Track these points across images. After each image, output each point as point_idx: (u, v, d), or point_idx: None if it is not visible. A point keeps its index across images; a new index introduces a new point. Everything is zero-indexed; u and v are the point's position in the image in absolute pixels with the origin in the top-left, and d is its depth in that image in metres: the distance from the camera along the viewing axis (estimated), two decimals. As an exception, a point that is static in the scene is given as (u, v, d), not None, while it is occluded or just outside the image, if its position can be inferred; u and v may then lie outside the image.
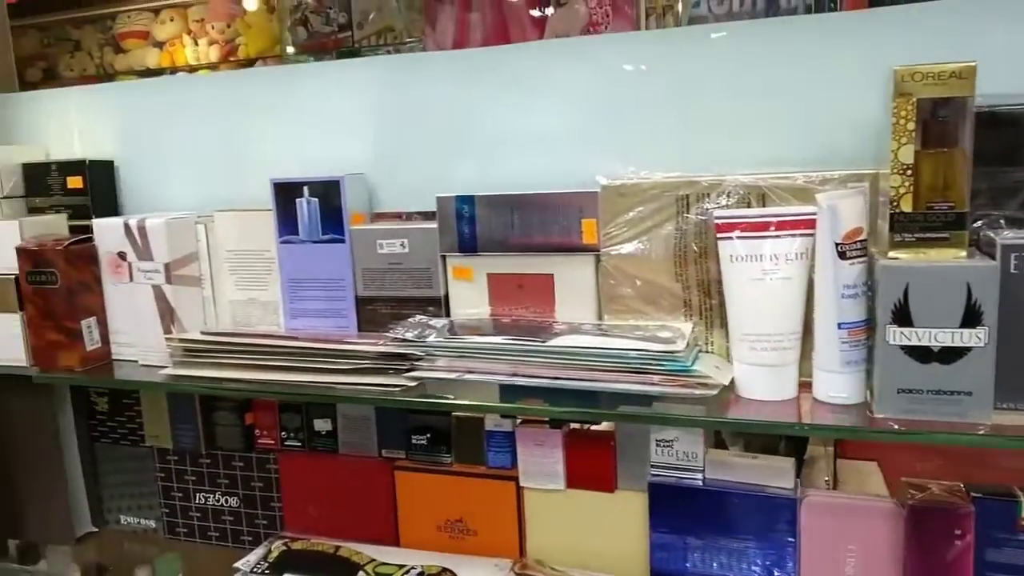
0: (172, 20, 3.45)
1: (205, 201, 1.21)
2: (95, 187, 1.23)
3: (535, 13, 3.02)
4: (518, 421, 1.07)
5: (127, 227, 1.09)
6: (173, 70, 3.50)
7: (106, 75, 3.49)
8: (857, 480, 1.00)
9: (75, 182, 1.22)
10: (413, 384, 0.94)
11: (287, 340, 1.01)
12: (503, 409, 1.01)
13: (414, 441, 1.12)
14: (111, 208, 1.26)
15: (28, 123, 1.33)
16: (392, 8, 3.30)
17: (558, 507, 1.05)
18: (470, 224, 1.00)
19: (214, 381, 1.02)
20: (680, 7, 2.89)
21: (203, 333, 1.08)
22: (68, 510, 1.29)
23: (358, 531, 1.15)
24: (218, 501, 1.24)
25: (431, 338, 0.95)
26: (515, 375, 0.91)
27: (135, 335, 1.12)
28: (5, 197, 1.25)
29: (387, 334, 0.99)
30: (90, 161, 1.22)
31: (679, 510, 0.99)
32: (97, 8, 3.47)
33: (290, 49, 3.35)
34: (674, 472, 1.00)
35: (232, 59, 3.56)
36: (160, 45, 3.63)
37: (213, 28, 3.40)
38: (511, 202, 0.98)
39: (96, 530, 1.33)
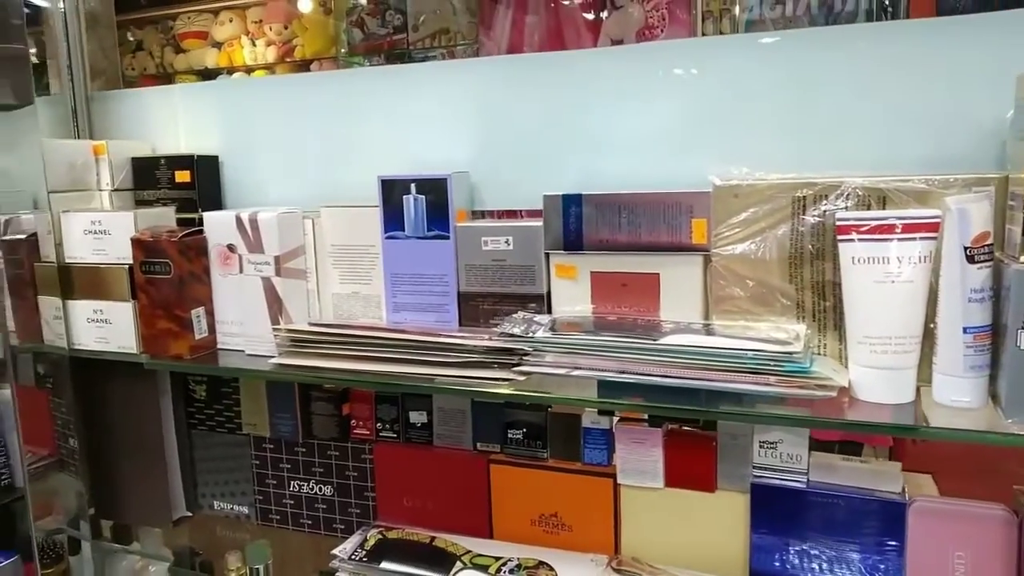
0: (231, 21, 3.54)
1: (307, 197, 1.24)
2: (201, 181, 1.27)
3: (590, 17, 3.03)
4: (616, 419, 1.08)
5: (239, 220, 1.13)
6: (230, 70, 3.59)
7: (165, 74, 3.60)
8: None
9: (183, 176, 1.27)
10: (521, 378, 0.95)
11: (395, 332, 1.04)
12: (616, 406, 1.01)
13: (510, 435, 1.14)
14: (215, 202, 1.30)
15: (134, 119, 1.38)
16: (448, 11, 3.34)
17: (655, 505, 1.06)
18: (576, 222, 1.02)
19: (322, 371, 1.04)
20: (737, 11, 2.88)
21: (311, 324, 1.11)
22: (167, 494, 1.33)
23: (451, 523, 1.17)
24: (312, 489, 1.27)
25: (538, 334, 0.97)
26: (624, 372, 0.92)
27: (243, 325, 1.16)
28: (115, 190, 1.30)
29: (492, 329, 1.01)
30: (198, 156, 1.26)
31: (781, 512, 0.99)
32: (160, 9, 3.58)
33: (344, 51, 3.42)
34: (777, 474, 1.00)
35: (288, 60, 3.65)
36: (219, 45, 3.73)
37: (271, 29, 3.48)
38: (619, 201, 0.99)
39: (190, 514, 1.38)
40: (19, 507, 1.63)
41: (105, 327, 1.20)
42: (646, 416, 1.06)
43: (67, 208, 1.22)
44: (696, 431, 1.05)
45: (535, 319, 1.02)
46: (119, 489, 1.37)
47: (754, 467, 1.01)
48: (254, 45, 3.55)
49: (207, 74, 3.53)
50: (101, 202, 1.29)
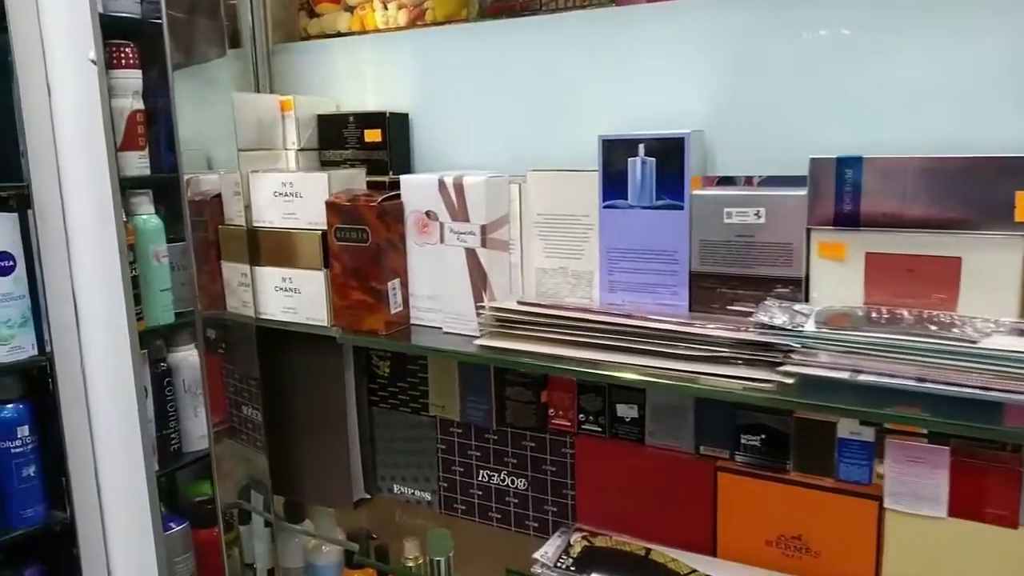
0: (365, -16, 3.47)
1: (506, 161, 1.11)
2: (393, 141, 1.16)
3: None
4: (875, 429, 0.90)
5: (441, 184, 1.01)
6: (362, 34, 3.53)
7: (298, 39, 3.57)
8: None
9: (373, 135, 1.16)
10: (788, 381, 0.79)
11: (622, 318, 0.90)
12: (936, 426, 0.80)
13: (744, 441, 0.98)
14: (404, 164, 1.20)
15: (316, 73, 1.29)
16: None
17: (934, 538, 0.87)
18: (853, 191, 0.83)
19: (538, 357, 0.92)
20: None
21: (520, 303, 0.98)
22: (349, 475, 1.26)
23: (665, 534, 1.03)
24: (503, 481, 1.16)
25: (807, 326, 0.80)
26: (923, 381, 0.74)
27: (440, 300, 1.05)
28: (301, 149, 1.21)
29: (733, 318, 0.85)
30: (390, 114, 1.16)
31: (1113, 562, 0.79)
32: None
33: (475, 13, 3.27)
34: (1110, 514, 0.79)
35: (420, 23, 3.54)
36: (351, 9, 3.68)
37: (403, -9, 3.39)
38: (915, 166, 0.80)
39: (368, 496, 1.30)
40: (183, 475, 1.62)
41: (294, 296, 1.12)
42: (925, 431, 0.87)
43: (254, 168, 1.15)
44: (996, 451, 0.85)
45: (794, 308, 0.85)
46: (299, 465, 1.31)
47: (1075, 504, 0.81)
48: (386, 8, 3.49)
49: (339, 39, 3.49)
50: (287, 162, 1.21)
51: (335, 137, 1.20)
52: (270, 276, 1.14)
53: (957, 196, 0.78)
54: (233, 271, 1.19)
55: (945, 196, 0.79)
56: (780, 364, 0.80)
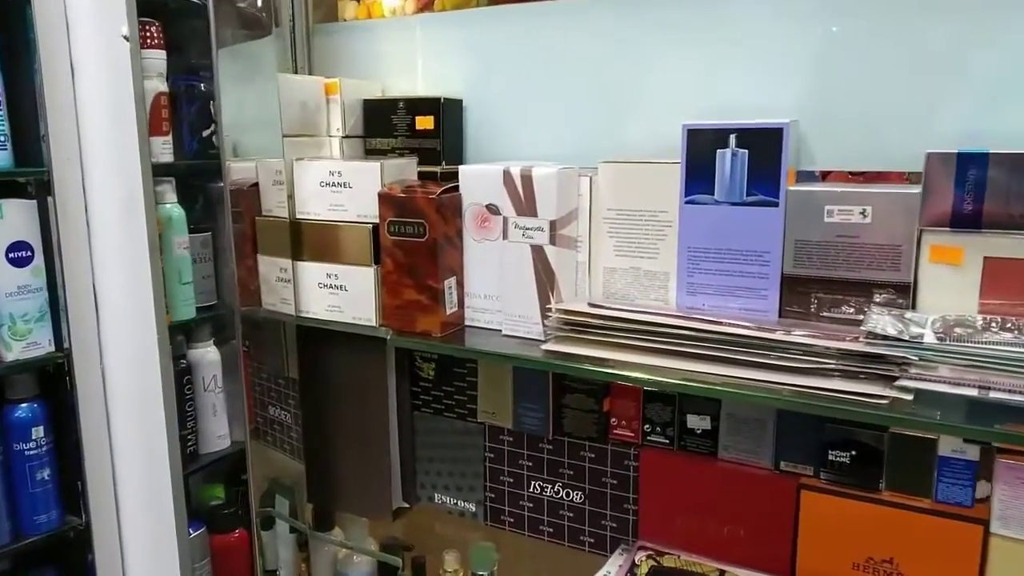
0: (372, -28, 3.38)
1: (570, 153, 1.03)
2: (446, 129, 1.09)
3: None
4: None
5: (507, 176, 0.93)
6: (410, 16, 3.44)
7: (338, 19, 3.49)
8: None
9: (425, 122, 1.09)
10: (907, 397, 0.72)
11: (710, 324, 0.82)
12: None
13: (832, 457, 0.91)
14: (457, 155, 1.12)
15: (360, 56, 1.21)
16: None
17: (1045, 566, 0.81)
18: (976, 189, 0.76)
19: (614, 365, 0.85)
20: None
21: (591, 305, 0.91)
22: (389, 483, 1.18)
23: (739, 555, 0.96)
24: (557, 493, 1.09)
25: (926, 338, 0.73)
26: (1061, 398, 0.67)
27: (499, 300, 0.97)
28: (347, 136, 1.13)
29: (833, 327, 0.78)
30: (444, 99, 1.08)
31: None
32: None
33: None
34: None
35: (427, 12, 3.46)
36: None
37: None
38: (1051, 165, 0.73)
39: (406, 506, 1.23)
40: (194, 477, 1.54)
41: (339, 294, 1.04)
42: (1038, 449, 0.81)
43: (297, 156, 1.07)
44: (1122, 477, 0.79)
45: (905, 316, 0.78)
46: (334, 471, 1.23)
47: None
48: (394, -2, 3.41)
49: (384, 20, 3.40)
50: (330, 150, 1.13)
51: (382, 124, 1.12)
52: (313, 272, 1.06)
53: (1092, 197, 0.72)
54: (271, 265, 1.11)
55: (1078, 197, 0.72)
56: (896, 378, 0.73)
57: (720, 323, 0.83)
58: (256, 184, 1.13)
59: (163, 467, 1.29)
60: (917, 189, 0.79)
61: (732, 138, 0.86)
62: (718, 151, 0.87)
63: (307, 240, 1.06)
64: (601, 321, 0.88)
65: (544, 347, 0.91)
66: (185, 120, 1.35)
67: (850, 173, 0.88)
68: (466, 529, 1.19)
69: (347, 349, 1.15)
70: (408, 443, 1.20)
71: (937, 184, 0.78)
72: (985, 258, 0.78)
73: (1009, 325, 0.75)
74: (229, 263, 1.12)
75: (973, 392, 0.70)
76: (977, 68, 0.82)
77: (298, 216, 1.06)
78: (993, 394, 0.69)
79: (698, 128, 0.88)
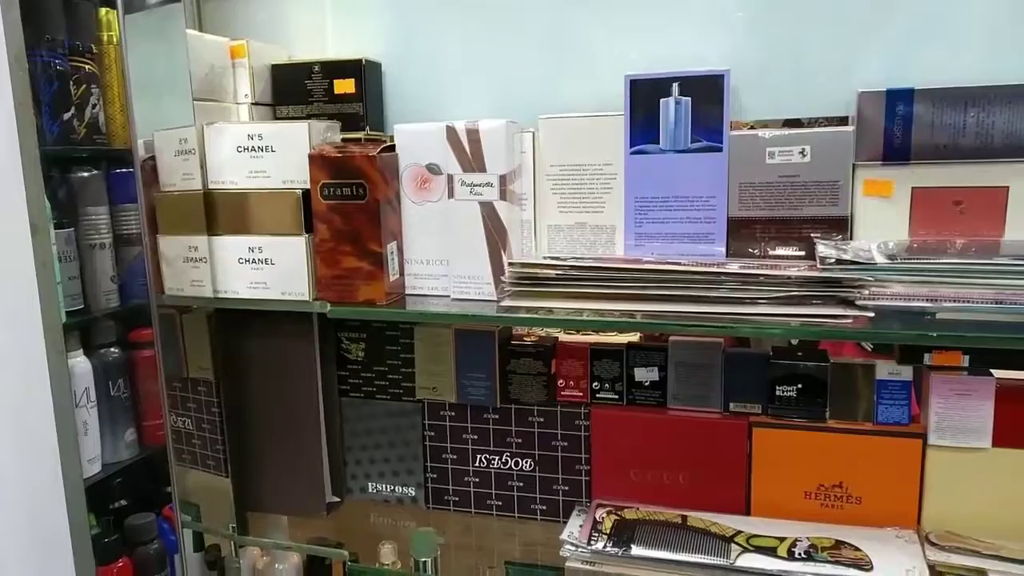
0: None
1: (500, 112, 1.01)
2: (369, 93, 1.03)
3: None
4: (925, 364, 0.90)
5: (451, 131, 0.90)
6: None
7: None
8: None
9: (344, 86, 1.03)
10: (868, 315, 0.77)
11: (673, 264, 0.83)
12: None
13: (779, 393, 0.95)
14: (378, 121, 1.07)
15: (257, 17, 1.13)
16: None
17: (976, 470, 0.88)
18: (904, 124, 0.83)
19: (580, 313, 0.84)
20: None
21: (547, 257, 0.90)
22: (320, 478, 1.10)
23: (695, 499, 0.98)
24: (505, 463, 1.06)
25: (877, 260, 0.78)
26: (1000, 302, 0.74)
27: (449, 264, 0.94)
28: (256, 103, 1.05)
29: (778, 260, 0.82)
30: (366, 61, 1.03)
31: None
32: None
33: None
34: None
35: None
36: None
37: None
38: (969, 96, 0.80)
39: (337, 500, 1.15)
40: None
41: (264, 269, 0.96)
42: (964, 363, 0.88)
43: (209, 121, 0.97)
44: (1036, 378, 0.88)
45: (851, 245, 0.83)
46: (258, 471, 1.12)
47: (1112, 419, 0.85)
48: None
49: None
50: (239, 118, 1.05)
51: (294, 90, 1.05)
52: (232, 246, 0.97)
53: (1010, 124, 0.80)
54: (177, 245, 1.00)
55: (997, 125, 0.80)
56: (854, 300, 0.78)
57: (681, 263, 0.84)
58: (152, 158, 1.02)
59: (46, 498, 1.13)
60: (851, 128, 0.85)
61: (675, 87, 0.88)
62: (661, 100, 0.89)
63: (223, 212, 0.97)
64: (559, 272, 0.86)
65: (503, 303, 0.88)
66: (44, 102, 1.20)
67: (784, 122, 0.92)
68: (406, 516, 1.13)
69: (268, 337, 1.07)
70: (336, 432, 1.13)
71: (869, 121, 0.84)
72: (913, 188, 0.85)
73: (942, 247, 0.82)
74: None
75: (926, 304, 0.75)
76: (898, 9, 0.89)
77: (211, 186, 0.97)
78: (943, 305, 0.75)
79: (641, 78, 0.89)
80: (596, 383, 1.02)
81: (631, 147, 0.91)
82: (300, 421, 1.08)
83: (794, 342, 0.99)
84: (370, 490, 1.14)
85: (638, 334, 1.02)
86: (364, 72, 1.02)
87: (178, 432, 1.20)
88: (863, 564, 0.85)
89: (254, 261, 0.96)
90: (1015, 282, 0.74)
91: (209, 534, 1.18)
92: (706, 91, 0.88)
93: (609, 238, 0.95)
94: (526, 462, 1.06)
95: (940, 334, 0.74)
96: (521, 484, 1.06)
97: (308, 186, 0.92)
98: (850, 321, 0.76)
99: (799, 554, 0.88)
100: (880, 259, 0.78)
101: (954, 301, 0.75)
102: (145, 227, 0.98)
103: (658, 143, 0.90)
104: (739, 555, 0.88)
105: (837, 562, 0.86)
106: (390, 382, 1.10)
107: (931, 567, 0.84)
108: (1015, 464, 0.87)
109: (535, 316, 0.87)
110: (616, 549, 0.92)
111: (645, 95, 0.89)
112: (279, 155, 0.94)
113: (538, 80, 1.01)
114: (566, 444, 1.04)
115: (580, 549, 0.93)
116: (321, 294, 0.95)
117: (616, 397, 1.02)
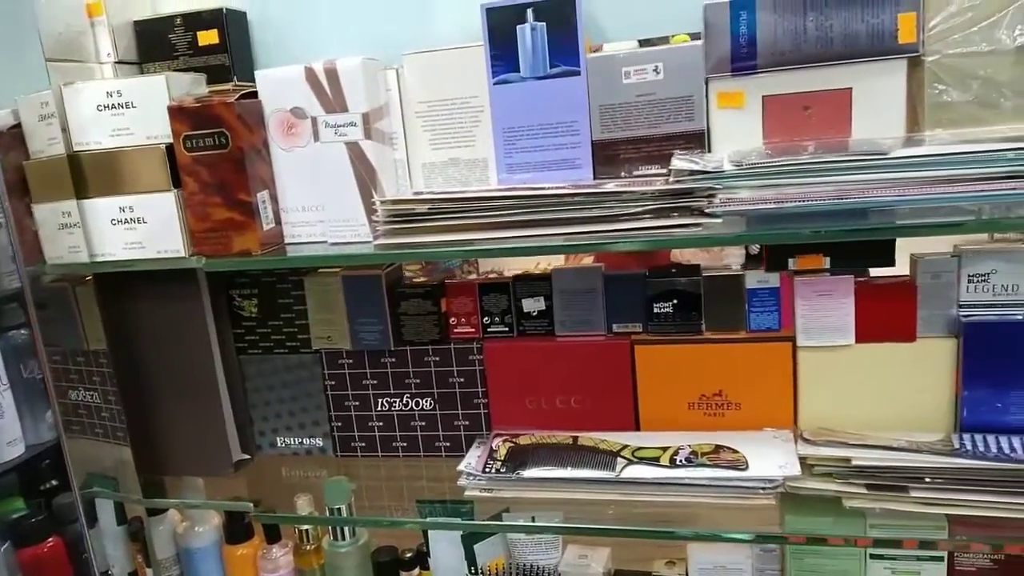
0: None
1: (367, 52, 1.01)
2: (233, 43, 1.02)
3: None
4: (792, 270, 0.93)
5: (310, 73, 0.90)
6: None
7: None
8: None
9: (208, 37, 1.01)
10: (717, 220, 0.79)
11: (537, 190, 0.85)
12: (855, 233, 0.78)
13: (656, 310, 0.97)
14: (246, 72, 1.05)
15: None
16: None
17: (844, 366, 0.92)
18: (748, 33, 0.84)
19: (451, 245, 0.85)
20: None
21: (415, 193, 0.90)
22: (225, 436, 1.10)
23: (588, 421, 1.01)
24: (406, 405, 1.08)
25: (725, 167, 0.80)
26: (840, 198, 0.77)
27: (322, 208, 0.94)
28: (119, 62, 1.03)
29: (642, 177, 0.84)
30: (227, 10, 1.01)
31: (998, 353, 0.87)
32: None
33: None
34: (991, 310, 0.88)
35: None
36: None
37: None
38: (809, 1, 0.82)
39: (247, 458, 1.16)
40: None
41: (138, 228, 0.95)
42: (826, 265, 0.92)
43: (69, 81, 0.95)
44: (893, 277, 0.91)
45: (705, 157, 0.85)
46: (162, 437, 1.12)
47: (961, 305, 0.88)
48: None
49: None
50: (103, 79, 1.02)
51: (159, 45, 1.04)
52: (104, 208, 0.96)
53: (846, 26, 0.82)
54: (50, 212, 0.99)
55: (835, 28, 0.82)
56: (705, 208, 0.80)
57: (542, 188, 0.85)
58: (17, 126, 1.00)
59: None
60: (699, 42, 0.86)
61: (529, 12, 0.89)
62: (518, 27, 0.89)
63: (90, 174, 0.95)
64: (428, 207, 0.87)
65: (376, 242, 0.89)
66: None
67: (639, 42, 0.93)
68: (317, 467, 1.14)
69: (156, 299, 1.06)
70: (238, 390, 1.13)
71: (716, 32, 0.85)
72: (764, 97, 0.87)
73: (794, 150, 0.84)
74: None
75: (771, 206, 0.78)
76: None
77: (76, 149, 0.95)
78: (788, 204, 0.77)
79: (496, 6, 0.89)
80: (487, 318, 1.03)
81: (494, 77, 0.91)
82: (198, 382, 1.08)
83: (673, 261, 1.01)
84: (279, 444, 1.15)
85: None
86: (226, 21, 1.01)
87: (88, 406, 1.19)
88: (739, 464, 0.89)
89: (127, 221, 0.95)
90: (854, 177, 0.76)
91: (121, 502, 1.18)
92: (559, 14, 0.88)
93: (483, 171, 0.95)
94: (426, 401, 1.07)
95: (763, 232, 0.77)
96: (424, 423, 1.08)
97: (172, 140, 0.91)
98: (700, 228, 0.78)
99: (680, 461, 0.91)
100: (728, 167, 0.80)
101: (799, 201, 0.78)
102: (5, 197, 0.96)
103: (519, 71, 0.91)
104: (624, 467, 0.91)
105: (716, 465, 0.89)
106: (286, 336, 1.10)
107: (801, 460, 0.88)
108: (877, 358, 0.91)
109: (408, 251, 0.87)
110: (509, 473, 0.94)
111: (502, 23, 0.89)
112: (140, 110, 0.92)
113: (403, 17, 1.01)
114: (462, 380, 1.05)
115: (476, 478, 0.96)
116: (196, 249, 0.94)
117: (507, 329, 1.03)
